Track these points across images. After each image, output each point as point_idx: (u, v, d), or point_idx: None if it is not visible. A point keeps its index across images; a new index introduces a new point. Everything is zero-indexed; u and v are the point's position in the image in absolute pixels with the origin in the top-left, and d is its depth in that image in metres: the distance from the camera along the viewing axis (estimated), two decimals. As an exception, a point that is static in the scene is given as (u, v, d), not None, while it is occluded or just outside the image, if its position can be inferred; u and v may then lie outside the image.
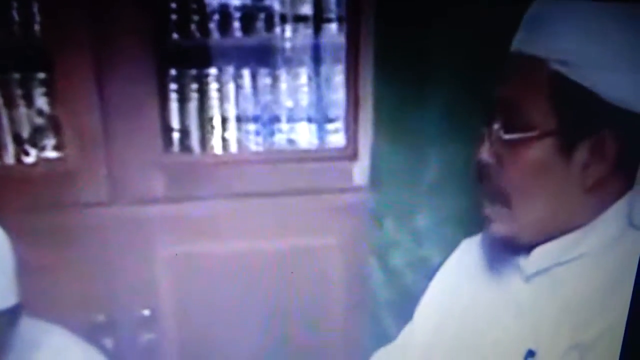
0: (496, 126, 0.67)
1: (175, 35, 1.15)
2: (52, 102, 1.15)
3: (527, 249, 0.69)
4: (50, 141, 1.17)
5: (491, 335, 0.70)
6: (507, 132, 0.66)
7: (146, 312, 1.19)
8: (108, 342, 1.16)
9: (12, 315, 0.81)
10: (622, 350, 0.62)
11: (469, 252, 0.80)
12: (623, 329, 0.61)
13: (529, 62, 0.66)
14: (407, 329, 0.85)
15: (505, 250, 0.72)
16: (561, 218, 0.67)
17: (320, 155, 1.22)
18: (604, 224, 0.66)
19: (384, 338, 0.92)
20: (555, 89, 0.64)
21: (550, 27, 0.65)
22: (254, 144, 1.22)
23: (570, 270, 0.67)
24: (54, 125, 1.16)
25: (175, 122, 1.19)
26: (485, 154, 0.69)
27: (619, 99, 0.62)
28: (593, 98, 0.62)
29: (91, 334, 1.05)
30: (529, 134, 0.65)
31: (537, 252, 0.68)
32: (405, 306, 0.87)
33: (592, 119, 0.63)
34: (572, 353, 0.62)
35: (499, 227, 0.70)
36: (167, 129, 1.18)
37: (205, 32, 1.15)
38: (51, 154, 1.17)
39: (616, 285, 0.63)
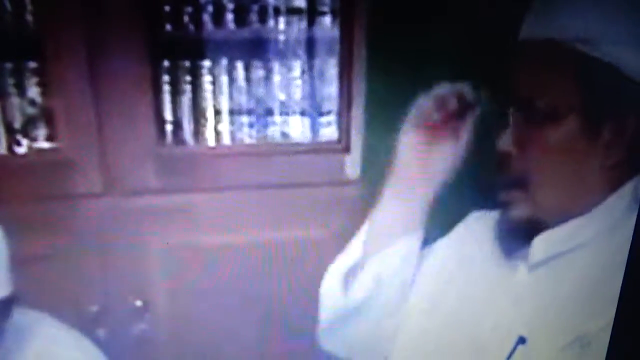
0: (516, 112, 0.67)
1: (168, 27, 1.15)
2: (44, 92, 1.14)
3: (533, 236, 0.69)
4: (42, 131, 1.16)
5: (488, 320, 0.70)
6: (530, 116, 0.66)
7: (139, 303, 1.19)
8: (101, 333, 1.16)
9: (5, 306, 0.81)
10: (611, 340, 0.62)
11: (476, 227, 0.80)
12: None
13: (545, 47, 0.65)
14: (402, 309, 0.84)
15: (515, 236, 0.72)
16: (578, 199, 0.67)
17: (312, 148, 1.22)
18: (606, 211, 0.66)
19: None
20: (577, 68, 0.63)
21: (564, 7, 0.64)
22: (247, 137, 1.22)
23: (572, 259, 0.67)
24: (46, 115, 1.15)
25: (168, 114, 1.19)
26: (504, 140, 0.68)
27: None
28: (616, 75, 0.61)
29: (84, 325, 1.05)
30: (553, 116, 0.64)
31: (539, 240, 0.68)
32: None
33: (616, 98, 0.63)
34: (573, 345, 0.63)
35: (518, 212, 0.69)
36: (160, 121, 1.18)
37: (199, 24, 1.15)
38: (43, 144, 1.17)
39: (617, 274, 0.64)
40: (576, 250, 0.67)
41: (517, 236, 0.71)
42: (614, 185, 0.66)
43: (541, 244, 0.68)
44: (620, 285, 0.62)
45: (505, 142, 0.69)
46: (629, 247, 0.64)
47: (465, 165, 0.74)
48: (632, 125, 0.63)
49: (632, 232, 0.65)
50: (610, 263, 0.65)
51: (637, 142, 0.63)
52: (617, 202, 0.66)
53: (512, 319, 0.66)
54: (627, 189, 0.66)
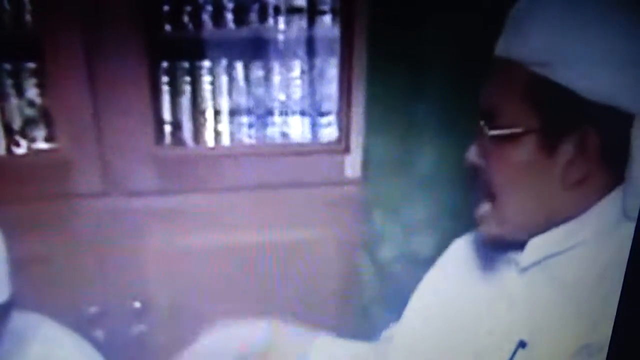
0: (482, 125, 0.68)
1: (167, 27, 1.14)
2: (43, 93, 1.14)
3: (521, 243, 0.70)
4: (41, 132, 1.16)
5: (485, 326, 0.70)
6: (492, 131, 0.67)
7: (138, 304, 1.18)
8: (99, 334, 1.16)
9: (4, 310, 0.81)
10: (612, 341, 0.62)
11: (460, 250, 0.81)
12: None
13: (509, 67, 0.67)
14: (397, 327, 0.85)
15: (499, 246, 0.73)
16: (550, 213, 0.69)
17: (312, 149, 1.22)
18: (597, 216, 0.67)
19: (374, 331, 0.92)
20: (535, 90, 0.66)
21: (528, 31, 0.66)
22: (247, 137, 1.22)
23: (564, 261, 0.67)
24: (45, 116, 1.15)
25: (167, 115, 1.18)
26: (473, 153, 0.70)
27: (599, 96, 0.63)
28: (573, 96, 0.63)
29: (82, 326, 1.05)
30: (512, 133, 0.67)
31: (532, 244, 0.69)
32: (395, 299, 0.87)
33: (574, 116, 0.65)
34: (581, 352, 0.63)
35: (490, 227, 0.70)
36: (159, 122, 1.18)
37: (198, 24, 1.14)
38: (42, 145, 1.16)
39: (612, 276, 0.64)
40: (567, 253, 0.68)
41: (498, 245, 0.72)
42: (593, 196, 0.67)
43: (532, 248, 0.69)
44: (616, 287, 0.62)
45: (473, 154, 0.70)
46: (621, 250, 0.64)
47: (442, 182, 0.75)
48: (592, 141, 0.64)
49: (623, 238, 0.66)
50: (603, 265, 0.65)
51: (607, 156, 0.65)
52: (608, 207, 0.67)
53: (509, 323, 0.66)
54: (613, 197, 0.66)
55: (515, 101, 0.67)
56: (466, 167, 0.71)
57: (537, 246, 0.69)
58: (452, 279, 0.78)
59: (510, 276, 0.71)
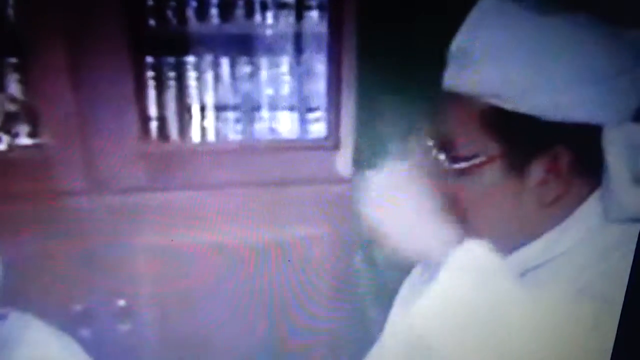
0: (442, 157, 0.67)
1: (151, 22, 1.13)
2: (25, 89, 1.12)
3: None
4: (24, 128, 1.14)
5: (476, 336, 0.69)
6: (452, 163, 0.66)
7: (124, 303, 1.18)
8: (85, 333, 1.15)
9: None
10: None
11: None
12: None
13: (461, 99, 0.65)
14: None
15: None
16: (526, 231, 0.67)
17: (301, 145, 1.21)
18: (576, 225, 0.66)
19: (370, 329, 0.91)
20: (491, 120, 0.63)
21: (473, 63, 0.64)
22: (234, 133, 1.21)
23: (550, 270, 0.66)
24: (28, 112, 1.13)
25: (153, 111, 1.17)
26: (439, 183, 0.68)
27: (560, 116, 0.61)
28: (532, 121, 0.61)
29: (68, 324, 1.04)
30: (473, 162, 0.65)
31: (514, 256, 0.68)
32: (389, 297, 0.86)
33: (538, 138, 0.63)
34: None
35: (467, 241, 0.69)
36: (145, 118, 1.16)
37: (183, 19, 1.13)
38: (25, 141, 1.15)
39: (598, 281, 0.63)
40: (551, 262, 0.67)
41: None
42: (571, 207, 0.66)
43: (513, 262, 0.68)
44: (611, 296, 0.62)
45: (440, 184, 0.69)
46: (607, 255, 0.64)
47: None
48: (565, 158, 0.63)
49: (608, 242, 0.65)
50: (589, 270, 0.64)
51: (580, 169, 0.63)
52: (586, 214, 0.66)
53: (502, 334, 0.65)
54: (591, 202, 0.65)
55: (472, 132, 0.64)
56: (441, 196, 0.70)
57: (519, 258, 0.68)
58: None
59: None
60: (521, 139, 0.63)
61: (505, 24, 0.63)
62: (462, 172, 0.66)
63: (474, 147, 0.64)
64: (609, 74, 0.61)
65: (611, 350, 0.62)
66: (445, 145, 0.67)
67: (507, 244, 0.68)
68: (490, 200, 0.66)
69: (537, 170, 0.63)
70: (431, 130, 0.69)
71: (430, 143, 0.69)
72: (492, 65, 0.62)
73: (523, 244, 0.67)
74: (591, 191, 0.65)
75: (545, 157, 0.63)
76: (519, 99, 0.61)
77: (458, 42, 0.66)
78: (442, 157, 0.67)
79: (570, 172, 0.63)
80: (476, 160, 0.64)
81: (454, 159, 0.66)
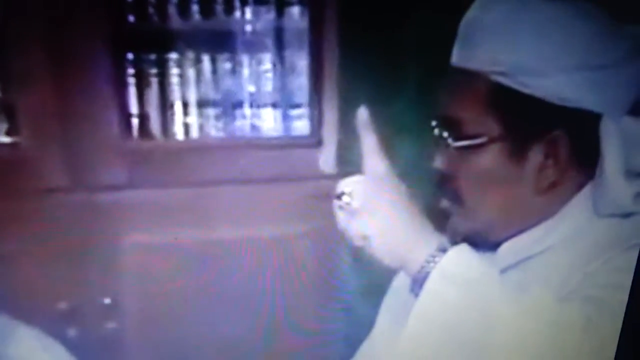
0: (445, 135, 0.67)
1: (132, 18, 1.11)
2: (3, 87, 1.11)
3: (493, 245, 0.69)
4: (3, 126, 1.13)
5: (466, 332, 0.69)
6: (455, 141, 0.66)
7: (108, 301, 1.17)
8: (70, 332, 1.15)
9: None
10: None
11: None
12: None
13: (467, 76, 0.66)
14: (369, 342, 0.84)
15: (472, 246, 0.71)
16: (521, 218, 0.67)
17: (284, 142, 1.20)
18: (568, 216, 0.66)
19: (358, 326, 0.91)
20: (496, 99, 0.64)
21: (479, 41, 0.65)
22: (216, 130, 1.20)
23: (539, 263, 0.66)
24: (6, 109, 1.12)
25: (134, 108, 1.16)
26: (438, 161, 0.69)
27: (563, 100, 0.62)
28: (536, 102, 0.62)
29: (52, 324, 1.03)
30: (476, 142, 0.65)
31: (504, 248, 0.68)
32: (377, 295, 0.86)
33: (540, 122, 0.63)
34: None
35: (457, 222, 0.69)
36: (126, 115, 1.16)
37: (164, 15, 1.12)
38: (4, 139, 1.14)
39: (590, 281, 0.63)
40: (541, 255, 0.67)
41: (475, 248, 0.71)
42: (565, 197, 0.66)
43: (506, 251, 0.68)
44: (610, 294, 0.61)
45: (438, 161, 0.69)
46: (598, 250, 0.64)
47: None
48: (563, 144, 0.63)
49: (597, 236, 0.65)
50: (578, 264, 0.64)
51: (577, 157, 0.64)
52: (578, 207, 0.66)
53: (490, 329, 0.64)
54: (583, 195, 0.66)
55: (477, 110, 0.65)
56: (434, 172, 0.70)
57: (509, 249, 0.68)
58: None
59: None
60: (523, 121, 0.64)
61: (516, 5, 0.64)
62: (463, 152, 0.66)
63: (478, 127, 0.65)
64: (609, 64, 0.62)
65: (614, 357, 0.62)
66: (449, 123, 0.67)
67: (499, 231, 0.68)
68: (487, 182, 0.66)
69: (536, 154, 0.64)
70: (435, 108, 0.69)
71: (433, 122, 0.69)
72: (502, 43, 0.63)
73: (514, 234, 0.67)
74: (584, 184, 0.66)
75: (545, 142, 0.63)
76: (526, 78, 0.62)
77: (466, 21, 0.67)
78: (444, 134, 0.67)
79: (568, 159, 0.64)
80: (478, 140, 0.65)
81: (457, 138, 0.66)
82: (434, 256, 0.60)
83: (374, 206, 0.63)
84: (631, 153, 0.63)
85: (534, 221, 0.67)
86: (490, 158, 0.65)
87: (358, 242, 0.64)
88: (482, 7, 0.66)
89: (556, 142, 0.63)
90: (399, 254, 0.62)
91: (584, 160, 0.64)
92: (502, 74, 0.63)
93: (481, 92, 0.64)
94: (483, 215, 0.67)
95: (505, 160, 0.65)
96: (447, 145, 0.67)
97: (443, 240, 0.63)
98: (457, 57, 0.68)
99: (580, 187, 0.66)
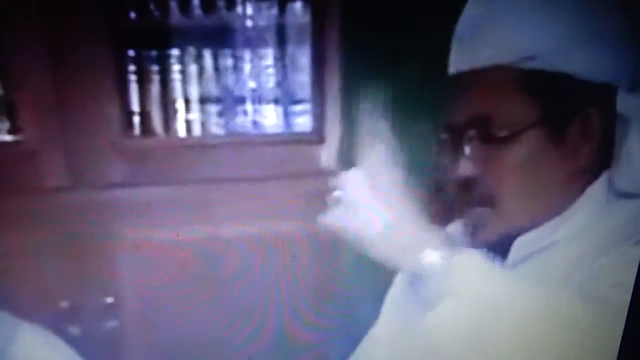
0: (475, 134, 0.66)
1: (132, 14, 1.11)
2: (4, 84, 1.10)
3: (508, 241, 0.68)
4: (4, 124, 1.13)
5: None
6: (487, 138, 0.66)
7: (110, 300, 1.17)
8: (72, 330, 1.15)
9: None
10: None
11: None
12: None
13: (487, 74, 0.65)
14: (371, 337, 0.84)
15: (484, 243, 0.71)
16: (551, 204, 0.67)
17: (285, 139, 1.20)
18: (584, 204, 0.66)
19: (356, 325, 0.91)
20: (527, 86, 0.64)
21: (501, 31, 0.64)
22: (218, 127, 1.20)
23: (554, 252, 0.66)
24: (8, 108, 1.11)
25: (135, 105, 1.16)
26: (463, 167, 0.67)
27: (589, 74, 0.62)
28: (567, 81, 0.62)
29: (54, 322, 1.03)
30: (513, 133, 0.64)
31: (518, 243, 0.68)
32: (377, 293, 0.86)
33: (574, 100, 0.63)
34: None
35: (492, 228, 0.68)
36: (127, 112, 1.15)
37: (165, 11, 1.11)
38: (6, 137, 1.13)
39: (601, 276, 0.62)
40: (556, 245, 0.66)
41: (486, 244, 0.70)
42: (589, 179, 0.66)
43: (520, 246, 0.68)
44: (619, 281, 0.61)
45: (466, 166, 0.67)
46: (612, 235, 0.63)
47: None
48: (597, 122, 0.63)
49: (609, 228, 0.64)
50: (594, 254, 0.64)
51: (605, 138, 0.64)
52: (594, 194, 0.66)
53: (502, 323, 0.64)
54: (601, 182, 0.66)
55: (509, 100, 0.64)
56: (462, 181, 0.68)
57: (524, 243, 0.67)
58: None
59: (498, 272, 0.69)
60: (557, 101, 0.63)
61: None
62: (496, 149, 0.65)
63: (512, 118, 0.64)
64: (625, 33, 0.62)
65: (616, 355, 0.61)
66: (478, 122, 0.66)
67: (525, 226, 0.67)
68: (522, 175, 0.66)
69: (573, 135, 0.64)
70: (453, 111, 0.69)
71: (447, 125, 0.69)
72: (518, 27, 0.63)
73: (540, 221, 0.67)
74: (602, 170, 0.66)
75: (580, 121, 0.63)
76: (551, 56, 0.62)
77: (470, 20, 0.67)
78: (474, 134, 0.66)
79: (600, 139, 0.64)
80: (516, 129, 0.64)
81: (491, 134, 0.65)
82: (427, 251, 0.60)
83: (369, 199, 0.62)
84: None
85: (559, 209, 0.66)
86: (528, 146, 0.64)
87: (356, 238, 0.64)
88: (480, 4, 0.66)
89: (590, 120, 0.63)
90: (396, 249, 0.62)
91: (608, 137, 0.64)
92: (529, 58, 0.62)
93: (509, 83, 0.64)
94: (517, 212, 0.67)
95: (543, 145, 0.64)
96: (479, 145, 0.66)
97: (444, 236, 0.63)
98: (464, 60, 0.67)
99: (601, 170, 0.65)
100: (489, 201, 0.67)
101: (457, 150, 0.68)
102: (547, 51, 0.62)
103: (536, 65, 0.62)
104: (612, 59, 0.62)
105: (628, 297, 0.61)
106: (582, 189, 0.66)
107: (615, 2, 0.63)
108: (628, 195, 0.64)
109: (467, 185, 0.68)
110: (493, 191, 0.67)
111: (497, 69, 0.64)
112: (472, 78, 0.66)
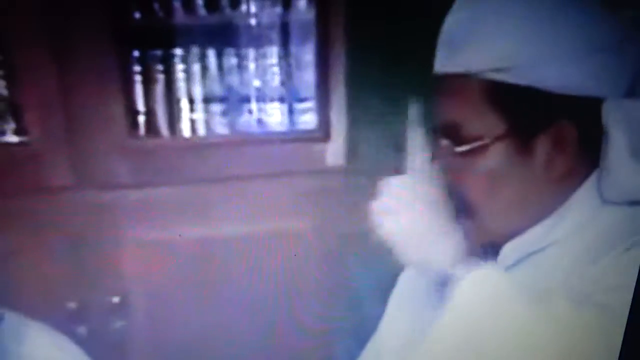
0: (446, 143, 0.66)
1: (137, 14, 1.11)
2: (10, 86, 1.11)
3: (498, 245, 0.68)
4: (10, 126, 1.13)
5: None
6: (458, 146, 0.65)
7: (116, 299, 1.17)
8: (79, 330, 1.15)
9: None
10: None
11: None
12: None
13: (457, 80, 0.64)
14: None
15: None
16: (531, 214, 0.66)
17: (291, 137, 1.20)
18: (575, 207, 0.65)
19: (362, 323, 0.91)
20: (494, 96, 0.63)
21: (473, 40, 0.63)
22: (223, 126, 1.20)
23: (546, 256, 0.66)
24: (14, 109, 1.12)
25: (140, 105, 1.16)
26: (440, 175, 0.67)
27: (564, 87, 0.60)
28: (536, 94, 0.61)
29: (61, 322, 1.03)
30: (480, 144, 0.64)
31: (508, 247, 0.67)
32: (382, 291, 0.86)
33: (543, 113, 0.62)
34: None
35: (472, 235, 0.68)
36: (132, 112, 1.15)
37: (169, 11, 1.11)
38: (12, 138, 1.14)
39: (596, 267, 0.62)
40: (547, 249, 0.66)
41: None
42: (572, 187, 0.65)
43: (511, 250, 0.67)
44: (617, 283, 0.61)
45: (441, 176, 0.68)
46: (608, 239, 0.63)
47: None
48: (569, 132, 0.62)
49: (606, 225, 0.64)
50: (586, 256, 0.63)
51: (583, 146, 0.63)
52: (583, 198, 0.65)
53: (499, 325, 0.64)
54: (588, 186, 0.65)
55: (475, 112, 0.63)
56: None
57: (514, 247, 0.67)
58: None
59: (493, 274, 0.69)
60: (525, 114, 0.63)
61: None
62: (466, 156, 0.64)
63: (480, 128, 0.64)
64: (606, 48, 0.61)
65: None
66: (449, 130, 0.65)
67: (509, 233, 0.67)
68: (496, 184, 0.65)
69: (543, 146, 0.63)
70: (433, 115, 0.68)
71: (432, 129, 0.68)
72: (494, 38, 0.62)
73: (520, 232, 0.66)
74: (590, 173, 0.64)
75: (551, 132, 0.62)
76: (522, 71, 0.61)
77: (452, 22, 0.65)
78: (445, 142, 0.66)
79: (575, 148, 0.63)
80: (481, 142, 0.63)
81: (460, 143, 0.64)
82: (462, 263, 0.61)
83: (411, 206, 0.63)
84: (635, 136, 0.61)
85: (542, 216, 0.66)
86: (497, 158, 0.64)
87: (390, 239, 0.65)
88: (465, 7, 0.65)
89: (562, 132, 0.62)
90: (428, 253, 0.63)
91: (589, 148, 0.63)
92: (497, 70, 0.61)
93: (477, 93, 0.63)
94: (496, 221, 0.66)
95: (512, 157, 0.63)
96: (451, 153, 0.66)
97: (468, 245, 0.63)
98: (442, 63, 0.66)
99: (586, 176, 0.64)
100: (467, 212, 0.67)
101: (436, 157, 0.68)
102: (513, 65, 0.61)
103: (501, 77, 0.61)
104: (599, 72, 0.61)
105: (626, 301, 0.61)
106: (566, 197, 0.65)
107: (602, 16, 0.62)
108: (617, 203, 0.64)
109: (447, 189, 0.68)
110: (467, 199, 0.67)
111: (466, 76, 0.63)
112: (446, 83, 0.66)
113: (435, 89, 0.67)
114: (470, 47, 0.63)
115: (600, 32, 0.61)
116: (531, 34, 0.61)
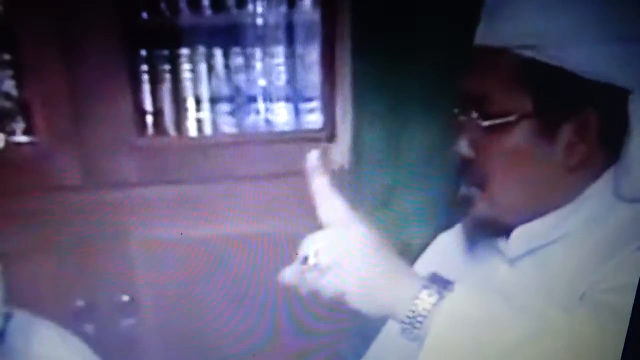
0: (474, 115, 0.65)
1: (144, 14, 1.12)
2: (19, 85, 1.12)
3: (507, 232, 0.68)
4: (19, 125, 1.14)
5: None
6: (485, 120, 0.65)
7: (125, 298, 1.18)
8: (88, 329, 1.15)
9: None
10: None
11: (445, 243, 0.79)
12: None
13: (494, 54, 0.64)
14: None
15: (485, 235, 0.71)
16: (544, 199, 0.66)
17: (297, 137, 1.19)
18: (589, 200, 0.65)
19: (365, 324, 0.91)
20: (525, 74, 0.63)
21: (508, 14, 0.64)
22: (229, 125, 1.20)
23: (555, 250, 0.65)
24: (23, 109, 1.13)
25: (148, 104, 1.16)
26: (462, 144, 0.67)
27: (593, 73, 0.61)
28: (569, 76, 0.61)
29: (70, 321, 1.04)
30: (506, 120, 0.64)
31: (517, 234, 0.67)
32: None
33: (572, 98, 0.62)
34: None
35: (479, 209, 0.68)
36: (140, 112, 1.16)
37: (176, 10, 1.12)
38: (21, 138, 1.15)
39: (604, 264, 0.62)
40: (557, 242, 0.65)
41: (484, 234, 0.71)
42: (588, 179, 0.65)
43: (519, 238, 0.67)
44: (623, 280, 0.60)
45: (463, 145, 0.68)
46: (619, 236, 0.62)
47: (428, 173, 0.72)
48: (593, 121, 0.62)
49: (618, 222, 0.63)
50: (596, 251, 0.63)
51: (604, 137, 0.63)
52: (599, 192, 0.65)
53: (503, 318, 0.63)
54: (604, 180, 0.65)
55: (506, 87, 0.64)
56: (455, 159, 0.69)
57: (523, 236, 0.67)
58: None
59: (500, 269, 0.69)
60: (554, 97, 0.63)
61: None
62: (491, 131, 0.65)
63: (508, 104, 0.64)
64: (635, 38, 0.61)
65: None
66: (478, 103, 0.66)
67: (518, 215, 0.67)
68: (514, 162, 0.65)
69: (566, 132, 0.63)
70: (462, 87, 0.68)
71: (457, 105, 0.68)
72: (529, 15, 0.62)
73: (530, 218, 0.66)
74: (607, 167, 0.64)
75: (576, 119, 0.62)
76: (551, 49, 0.61)
77: (489, 1, 0.66)
78: (473, 114, 0.66)
79: (597, 137, 0.63)
80: (509, 118, 0.64)
81: (487, 117, 0.65)
82: (417, 297, 0.56)
83: (345, 259, 0.58)
84: None
85: (554, 204, 0.65)
86: (520, 136, 0.64)
87: (336, 300, 0.60)
88: None
89: (586, 120, 0.62)
90: (384, 302, 0.58)
91: (611, 140, 0.63)
92: (530, 47, 0.62)
93: (510, 69, 0.63)
94: (507, 198, 0.66)
95: (535, 138, 0.63)
96: (475, 126, 0.66)
97: (424, 277, 0.60)
98: (482, 35, 0.67)
99: (603, 170, 0.64)
100: (479, 182, 0.67)
101: (460, 128, 0.68)
102: (547, 44, 0.61)
103: (534, 55, 0.62)
104: (628, 63, 0.60)
105: (630, 302, 0.60)
106: (580, 189, 0.65)
107: (633, 7, 0.61)
108: (631, 201, 0.63)
109: (464, 163, 0.68)
110: (484, 173, 0.67)
111: (502, 51, 0.64)
112: (483, 56, 0.66)
113: (473, 60, 0.67)
114: (507, 21, 0.64)
115: (632, 22, 0.61)
116: (561, 13, 0.61)
